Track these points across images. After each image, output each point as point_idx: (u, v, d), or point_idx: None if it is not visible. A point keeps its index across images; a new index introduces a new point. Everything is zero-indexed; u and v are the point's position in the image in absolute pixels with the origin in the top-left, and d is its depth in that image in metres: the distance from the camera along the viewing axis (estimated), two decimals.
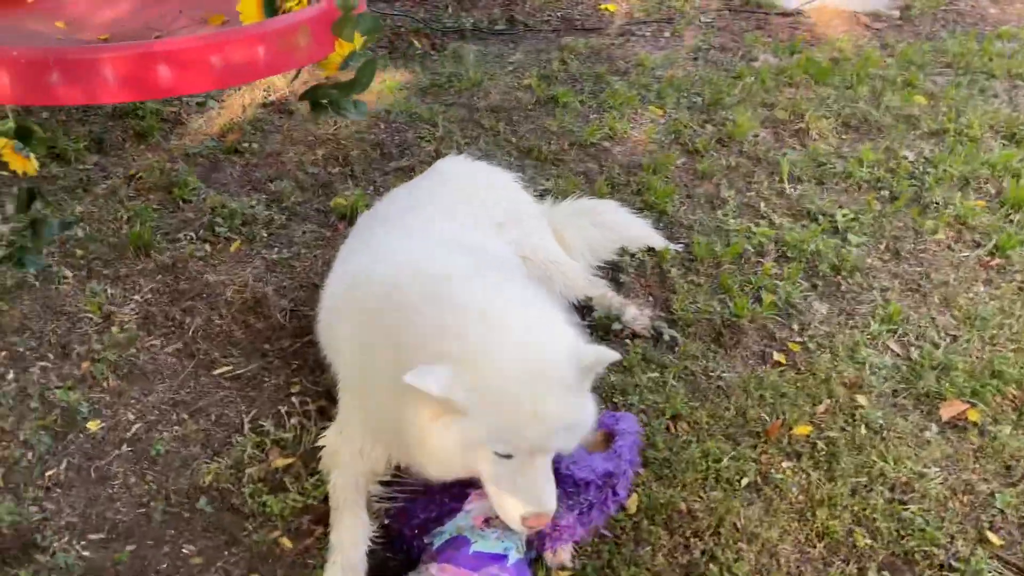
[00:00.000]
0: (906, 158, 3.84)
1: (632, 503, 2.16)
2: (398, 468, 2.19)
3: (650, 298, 2.97)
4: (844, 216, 3.36)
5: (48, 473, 2.26)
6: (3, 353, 2.64)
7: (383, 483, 2.16)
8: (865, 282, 3.03)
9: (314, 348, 2.65)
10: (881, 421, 2.42)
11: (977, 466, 2.29)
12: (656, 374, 2.58)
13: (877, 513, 2.14)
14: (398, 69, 4.76)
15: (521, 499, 1.82)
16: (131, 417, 2.44)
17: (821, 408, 2.47)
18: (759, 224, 3.36)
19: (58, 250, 3.10)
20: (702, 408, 2.45)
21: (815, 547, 2.06)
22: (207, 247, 3.17)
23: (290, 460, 2.29)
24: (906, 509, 2.15)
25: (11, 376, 2.55)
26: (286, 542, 2.09)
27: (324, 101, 1.94)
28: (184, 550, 2.08)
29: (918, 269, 3.10)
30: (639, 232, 3.14)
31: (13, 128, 1.99)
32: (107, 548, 2.08)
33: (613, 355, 1.91)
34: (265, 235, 3.24)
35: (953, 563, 2.01)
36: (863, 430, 2.39)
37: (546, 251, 2.74)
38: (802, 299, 2.92)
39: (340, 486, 2.10)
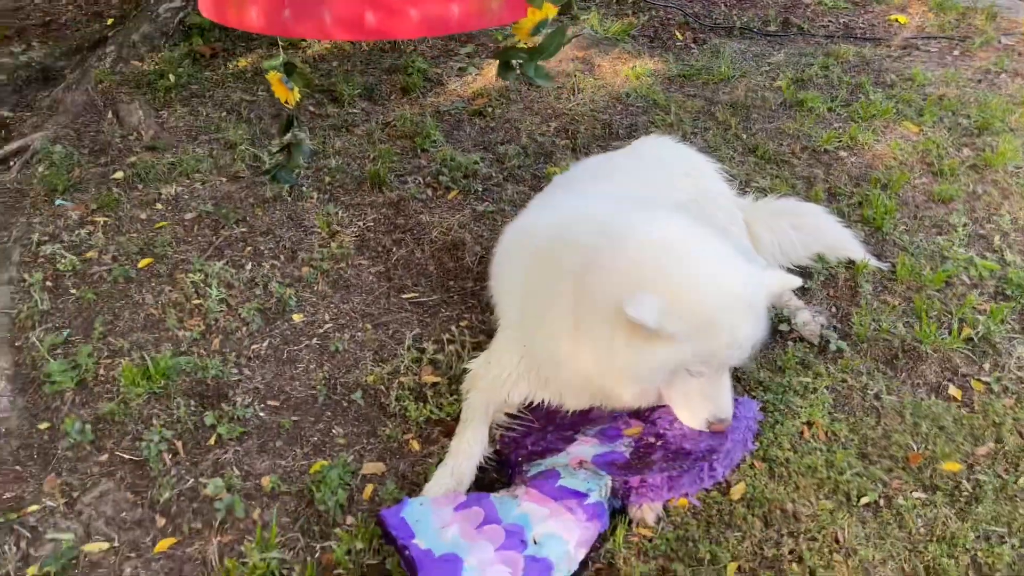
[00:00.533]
0: None
1: (738, 491, 2.16)
2: (527, 406, 2.37)
3: (833, 309, 2.87)
4: None
5: (253, 347, 2.71)
6: (249, 248, 3.16)
7: (508, 415, 2.35)
8: None
9: (482, 287, 2.90)
10: None
11: None
12: (808, 379, 2.52)
13: (1002, 565, 1.96)
14: (652, 58, 4.87)
15: (709, 407, 2.09)
16: (327, 317, 2.83)
17: (982, 450, 2.28)
18: (986, 257, 3.09)
19: (312, 175, 3.61)
20: (844, 421, 2.36)
21: (916, 573, 1.95)
22: (429, 191, 3.53)
23: (438, 379, 2.55)
24: None
25: (248, 267, 3.05)
26: (415, 444, 2.35)
27: (513, 63, 2.14)
28: (333, 430, 2.41)
29: None
30: (840, 241, 3.03)
31: (282, 63, 2.42)
32: (278, 414, 2.46)
33: (796, 280, 2.18)
34: (480, 189, 3.54)
35: None
36: (1022, 483, 2.18)
37: (728, 237, 2.76)
38: (1005, 339, 2.68)
39: (474, 405, 2.33)
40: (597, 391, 2.22)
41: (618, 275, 2.06)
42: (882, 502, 2.13)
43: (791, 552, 2.00)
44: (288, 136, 2.76)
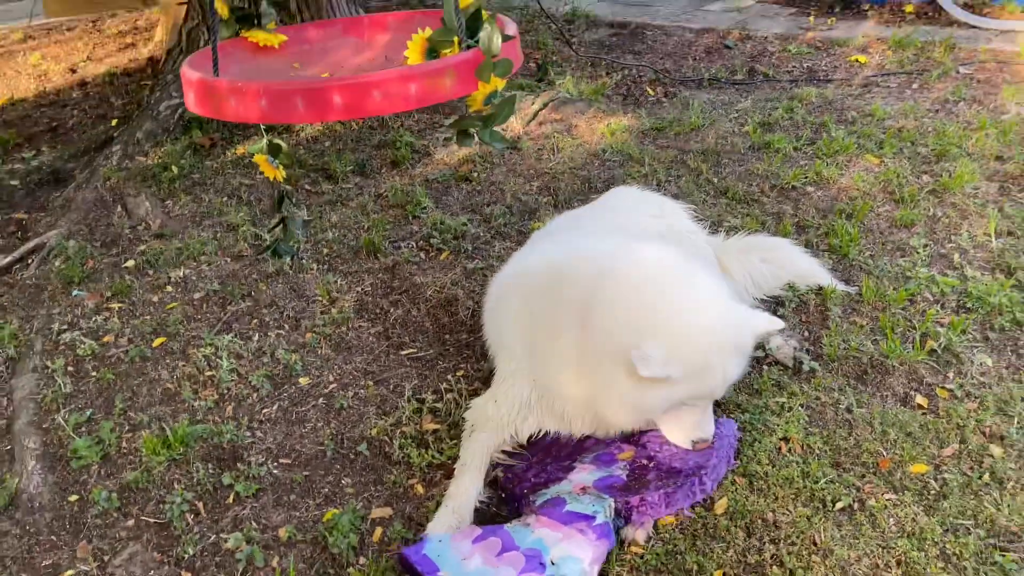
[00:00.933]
0: None
1: (721, 506, 2.32)
2: (521, 444, 2.55)
3: (805, 332, 3.05)
4: None
5: (263, 411, 2.90)
6: (255, 320, 3.37)
7: (505, 452, 2.52)
8: None
9: (476, 340, 3.10)
10: (1012, 474, 2.34)
11: None
12: (783, 399, 2.69)
13: (968, 554, 2.11)
14: (626, 114, 5.15)
15: (694, 431, 2.34)
16: (331, 378, 3.03)
17: (947, 451, 2.43)
18: (947, 275, 3.28)
19: (311, 248, 3.84)
20: (818, 435, 2.52)
21: (890, 570, 2.09)
22: (421, 254, 3.75)
23: (438, 426, 2.73)
24: (1003, 556, 2.10)
25: (255, 338, 3.25)
26: (419, 488, 2.52)
27: (471, 130, 2.37)
28: (342, 481, 2.58)
29: None
30: (808, 270, 3.23)
31: (266, 145, 2.66)
32: (290, 470, 2.64)
33: (779, 323, 2.36)
34: (470, 248, 3.76)
35: None
36: (986, 478, 2.33)
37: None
38: (967, 349, 2.85)
39: (475, 447, 2.50)
40: (598, 417, 2.40)
41: (621, 318, 2.27)
42: (855, 505, 2.28)
43: (772, 557, 2.15)
44: (282, 211, 2.99)
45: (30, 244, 3.98)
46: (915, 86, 5.34)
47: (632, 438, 2.47)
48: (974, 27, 6.33)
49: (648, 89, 5.61)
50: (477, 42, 2.04)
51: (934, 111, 4.86)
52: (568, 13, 7.26)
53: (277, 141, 2.66)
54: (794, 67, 5.89)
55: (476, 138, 2.32)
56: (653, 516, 2.23)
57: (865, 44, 6.12)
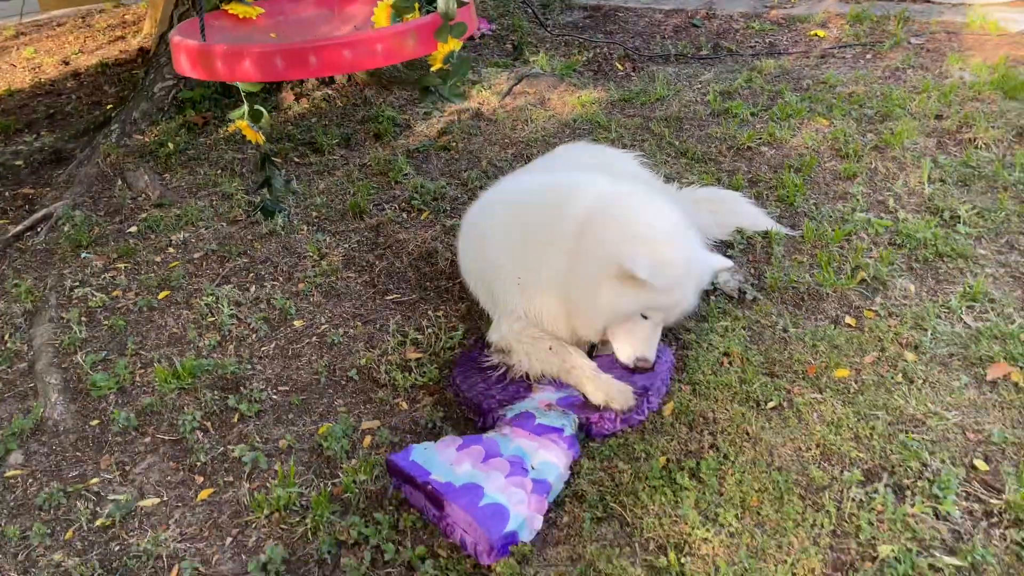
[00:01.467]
0: None
1: (668, 409, 2.64)
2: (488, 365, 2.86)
3: (752, 270, 3.38)
4: (967, 211, 3.52)
5: (262, 348, 3.20)
6: (252, 274, 3.68)
7: (466, 367, 2.83)
8: (967, 268, 3.21)
9: (455, 284, 3.41)
10: (921, 374, 2.67)
11: (999, 415, 2.49)
12: (727, 323, 3.01)
13: (876, 435, 2.44)
14: (596, 88, 5.47)
15: (641, 349, 2.64)
16: (323, 320, 3.34)
17: (868, 359, 2.76)
18: (882, 217, 3.61)
19: (301, 212, 4.15)
20: (757, 350, 2.85)
21: (810, 451, 2.42)
22: (404, 215, 4.06)
23: (420, 355, 3.04)
24: (905, 435, 2.43)
25: (252, 289, 3.56)
26: (403, 404, 2.83)
27: (431, 87, 2.68)
28: (335, 402, 2.89)
29: None
30: (752, 218, 3.56)
31: (247, 111, 2.93)
32: (288, 395, 2.95)
33: (729, 263, 2.80)
34: (448, 208, 4.07)
35: (932, 483, 2.27)
36: (899, 378, 2.66)
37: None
38: (893, 277, 3.18)
39: (528, 341, 2.81)
40: (570, 327, 2.76)
41: (618, 231, 2.64)
42: (785, 404, 2.61)
43: (710, 445, 2.48)
44: (265, 171, 3.29)
45: (38, 214, 4.26)
46: (868, 56, 5.67)
47: (592, 358, 2.78)
48: (928, 1, 6.67)
49: (617, 65, 5.93)
50: (435, 8, 2.35)
51: (884, 78, 5.19)
52: None
53: (258, 107, 2.94)
54: (756, 42, 6.22)
55: (437, 93, 2.63)
56: (610, 430, 2.54)
57: (825, 20, 6.44)
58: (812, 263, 3.33)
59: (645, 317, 2.65)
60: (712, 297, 3.16)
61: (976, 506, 2.19)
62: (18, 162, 5.10)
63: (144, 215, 4.21)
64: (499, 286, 2.87)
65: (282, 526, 2.37)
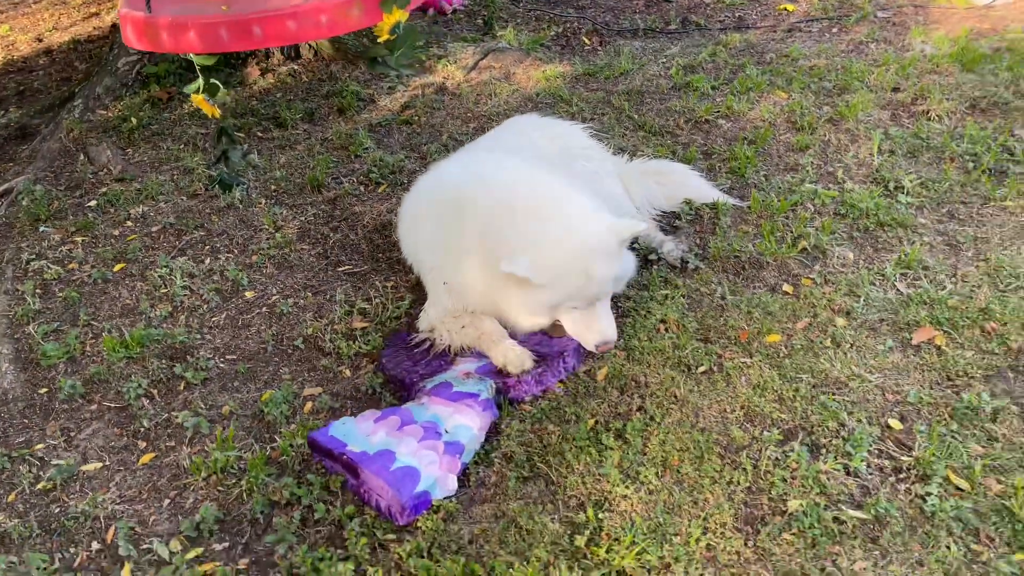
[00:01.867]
0: (1017, 136, 3.89)
1: (601, 373, 2.70)
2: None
3: (698, 240, 3.43)
4: (912, 182, 3.57)
5: (213, 319, 3.25)
6: (207, 247, 3.72)
7: (395, 348, 2.88)
8: (905, 236, 3.26)
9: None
10: (849, 338, 2.73)
11: (920, 376, 2.55)
12: (667, 291, 3.07)
13: (799, 397, 2.50)
14: (561, 62, 5.49)
15: (593, 333, 2.63)
16: (274, 291, 3.38)
17: (800, 324, 2.82)
18: (829, 188, 3.66)
19: (260, 186, 4.18)
20: (693, 317, 2.91)
21: (734, 412, 2.48)
22: (361, 188, 4.10)
23: (366, 324, 3.10)
24: (827, 396, 2.49)
25: (207, 261, 3.60)
26: (347, 372, 2.89)
27: (378, 58, 2.71)
28: (281, 370, 2.95)
29: (967, 229, 3.27)
30: (699, 190, 3.61)
31: (203, 84, 2.96)
32: (234, 364, 3.00)
33: (641, 226, 2.69)
34: (406, 182, 4.11)
35: (846, 442, 2.34)
36: (828, 342, 2.72)
37: (595, 185, 3.31)
38: (833, 246, 3.23)
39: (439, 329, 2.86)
40: (509, 325, 2.79)
41: (501, 239, 2.65)
42: (715, 368, 2.67)
43: (638, 408, 2.54)
44: (222, 144, 3.32)
45: (0, 188, 4.29)
46: (835, 30, 5.70)
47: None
48: None
49: (584, 39, 5.94)
50: None
51: (847, 51, 5.22)
52: None
53: (214, 81, 2.97)
54: (726, 16, 6.23)
55: (385, 64, 2.66)
56: (527, 392, 2.60)
57: None
58: (756, 233, 3.39)
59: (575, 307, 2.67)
60: (655, 267, 3.21)
61: (887, 463, 2.26)
62: None
63: (104, 189, 4.24)
64: (428, 282, 2.93)
65: (219, 488, 2.43)
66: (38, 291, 3.47)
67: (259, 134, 4.76)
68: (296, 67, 5.51)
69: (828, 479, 2.21)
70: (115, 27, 7.02)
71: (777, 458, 2.29)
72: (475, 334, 2.73)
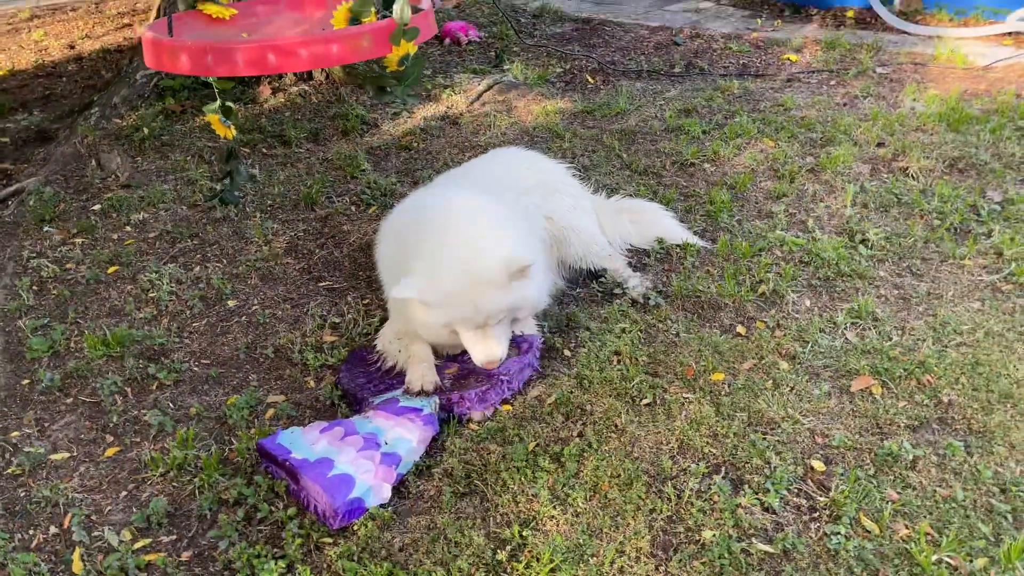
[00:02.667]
0: (988, 197, 3.99)
1: (549, 398, 2.83)
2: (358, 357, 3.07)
3: (665, 278, 3.55)
4: (877, 235, 3.68)
5: (194, 324, 3.42)
6: (199, 255, 3.90)
7: (353, 364, 3.03)
8: (862, 287, 3.37)
9: None
10: (790, 382, 2.84)
11: (850, 422, 2.65)
12: (626, 325, 3.19)
13: (732, 433, 2.61)
14: (563, 98, 5.66)
15: (480, 352, 2.73)
16: (255, 302, 3.55)
17: (745, 365, 2.93)
18: (798, 237, 3.78)
19: (258, 200, 4.37)
20: (645, 351, 3.03)
21: (668, 444, 2.60)
22: (352, 208, 4.27)
23: (335, 338, 3.24)
24: (757, 435, 2.60)
25: (196, 269, 3.78)
26: (311, 383, 3.04)
27: (385, 87, 2.86)
28: (250, 377, 3.10)
29: (923, 284, 3.37)
30: (670, 230, 3.74)
31: (220, 106, 3.12)
32: (208, 368, 3.16)
33: (524, 259, 2.73)
34: (395, 204, 4.27)
35: (768, 478, 2.44)
36: (768, 384, 2.83)
37: (570, 219, 3.45)
38: (791, 292, 3.35)
39: (388, 350, 3.01)
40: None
41: (411, 258, 2.82)
42: (658, 401, 2.79)
43: (578, 434, 2.66)
44: (229, 165, 3.50)
45: (11, 189, 4.51)
46: (832, 82, 5.83)
47: (457, 358, 2.96)
48: (903, 32, 6.81)
49: (589, 78, 6.12)
50: (391, 12, 2.54)
51: (840, 104, 5.35)
52: (537, 9, 7.76)
53: (229, 103, 3.13)
54: (730, 63, 6.39)
55: (392, 93, 2.80)
56: (471, 409, 2.73)
57: (801, 44, 6.60)
58: (720, 275, 3.50)
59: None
60: (617, 301, 3.34)
61: (803, 501, 2.36)
62: (4, 139, 5.35)
63: (110, 195, 4.44)
64: (388, 300, 3.10)
65: (174, 484, 2.58)
66: (34, 287, 3.65)
67: (264, 150, 4.95)
68: (307, 88, 5.72)
69: (744, 513, 2.31)
70: (138, 46, 7.29)
71: (700, 490, 2.40)
72: (405, 355, 2.87)
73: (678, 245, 3.71)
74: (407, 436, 2.57)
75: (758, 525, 2.28)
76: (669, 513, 2.34)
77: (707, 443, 2.57)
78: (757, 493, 2.37)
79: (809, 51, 6.49)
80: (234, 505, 2.46)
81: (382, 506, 2.40)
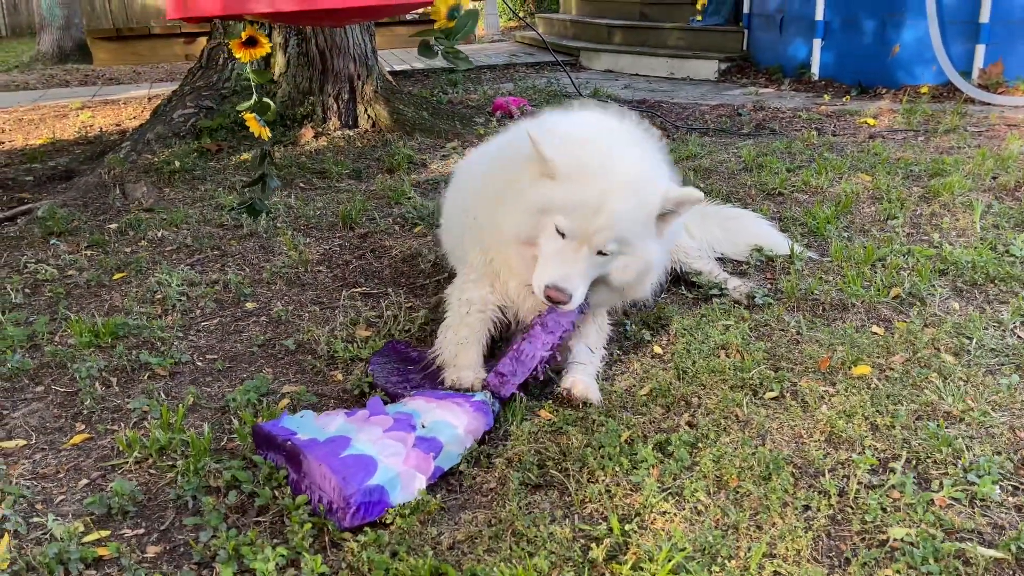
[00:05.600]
0: None
1: (642, 391, 2.18)
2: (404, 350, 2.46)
3: (768, 286, 2.94)
4: (1022, 241, 3.05)
5: (203, 323, 2.85)
6: (219, 264, 3.37)
7: (381, 354, 2.42)
8: (1021, 289, 2.72)
9: (433, 282, 3.05)
10: (961, 374, 2.17)
11: None
12: (731, 322, 2.56)
13: (898, 424, 1.92)
14: None
15: (555, 273, 2.07)
16: (279, 305, 2.98)
17: (896, 359, 2.27)
18: (924, 247, 3.17)
19: (291, 222, 3.88)
20: (761, 347, 2.38)
21: (812, 436, 1.91)
22: (396, 227, 3.76)
23: (369, 333, 2.65)
24: (936, 425, 1.91)
25: (215, 275, 3.25)
26: (338, 376, 2.42)
27: (434, 46, 2.40)
28: (264, 370, 2.49)
29: None
30: (764, 237, 3.16)
31: (256, 102, 2.70)
32: (212, 363, 2.56)
33: (698, 195, 2.15)
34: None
35: (968, 471, 1.74)
36: (933, 376, 2.16)
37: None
38: (931, 294, 2.71)
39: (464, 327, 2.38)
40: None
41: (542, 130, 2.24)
42: (787, 394, 2.12)
43: (687, 423, 1.99)
44: (262, 167, 3.02)
45: (22, 207, 4.08)
46: (920, 139, 5.33)
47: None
48: (988, 104, 6.35)
49: None
50: None
51: (938, 151, 4.83)
52: (589, 94, 7.50)
53: (266, 100, 2.71)
54: (802, 126, 5.95)
55: (439, 52, 2.33)
56: (509, 381, 2.09)
57: (877, 113, 6.17)
58: (837, 280, 2.88)
59: (563, 236, 2.13)
60: (716, 300, 2.72)
61: None
62: (28, 177, 5.01)
63: (129, 217, 3.99)
64: (467, 237, 2.51)
65: (151, 471, 1.94)
66: (25, 289, 3.14)
67: (301, 184, 4.52)
68: (351, 134, 5.36)
69: (944, 511, 1.60)
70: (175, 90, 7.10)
71: (871, 483, 1.70)
72: (452, 347, 2.31)
73: (784, 257, 3.10)
74: (452, 420, 1.92)
75: (969, 526, 1.56)
76: (831, 510, 1.64)
77: (866, 435, 1.88)
78: (956, 486, 1.66)
79: (887, 117, 6.05)
80: (225, 491, 1.81)
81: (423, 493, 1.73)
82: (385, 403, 2.13)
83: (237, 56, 2.53)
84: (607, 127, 2.33)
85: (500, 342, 2.44)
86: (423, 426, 1.91)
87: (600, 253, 2.11)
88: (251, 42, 2.58)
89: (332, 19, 3.07)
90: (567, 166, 2.08)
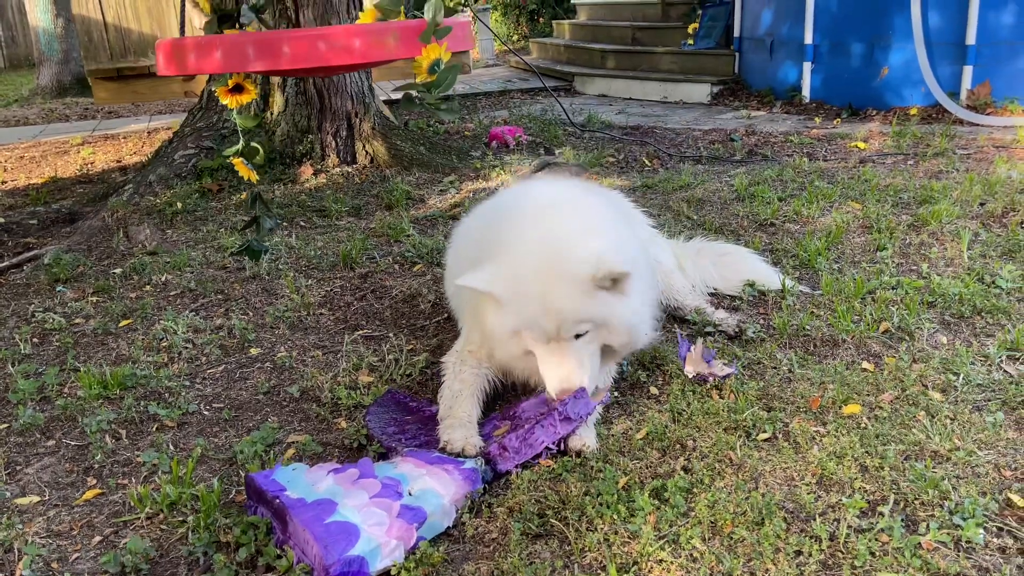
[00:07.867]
0: None
1: (641, 433, 2.24)
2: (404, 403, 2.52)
3: (761, 321, 3.00)
4: (1012, 273, 3.12)
5: (209, 370, 2.91)
6: (222, 309, 3.44)
7: (379, 404, 2.48)
8: (1008, 323, 2.79)
9: (433, 323, 3.12)
10: (948, 411, 2.23)
11: None
12: (723, 360, 2.62)
13: (887, 465, 1.98)
14: (619, 177, 5.30)
15: (552, 376, 2.16)
16: (282, 350, 3.04)
17: (885, 397, 2.33)
18: (913, 279, 3.23)
19: (292, 262, 3.95)
20: (753, 386, 2.44)
21: (804, 479, 1.97)
22: (396, 266, 3.83)
23: (371, 379, 2.71)
24: (923, 466, 1.97)
25: (218, 321, 3.31)
26: (343, 423, 2.48)
27: (416, 99, 2.48)
28: (269, 419, 2.55)
29: None
30: (757, 273, 3.23)
31: (242, 147, 2.76)
32: (220, 411, 2.62)
33: (621, 268, 2.15)
34: (441, 260, 3.82)
35: (953, 514, 1.80)
36: (920, 415, 2.22)
37: (654, 255, 2.95)
38: (920, 328, 2.77)
39: (458, 382, 2.44)
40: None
41: (491, 244, 2.35)
42: (779, 435, 2.18)
43: (684, 468, 2.05)
44: (255, 210, 3.09)
45: (28, 254, 4.15)
46: (910, 163, 5.42)
47: (509, 413, 2.39)
48: (976, 124, 6.45)
49: (645, 160, 5.79)
50: (422, 13, 2.20)
51: (927, 175, 4.91)
52: (582, 121, 7.60)
53: (254, 144, 2.78)
54: (793, 152, 6.03)
55: (421, 104, 2.41)
56: (513, 460, 2.11)
57: (867, 135, 6.27)
58: (828, 315, 2.94)
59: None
60: (710, 338, 2.78)
61: (1010, 541, 1.71)
62: (33, 221, 5.08)
63: (134, 260, 4.06)
64: (463, 315, 2.59)
65: (162, 527, 2.00)
66: (34, 339, 3.20)
67: (301, 223, 4.60)
68: (350, 170, 5.44)
69: (931, 555, 1.66)
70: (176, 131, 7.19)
71: (860, 527, 1.76)
72: (446, 407, 2.36)
73: (775, 292, 3.16)
74: (439, 491, 1.96)
75: (955, 569, 1.62)
76: (822, 555, 1.69)
77: (856, 476, 1.94)
78: (943, 529, 1.72)
79: (877, 140, 6.14)
80: (235, 547, 1.87)
81: (430, 542, 1.79)
82: (381, 455, 2.19)
83: (224, 102, 2.59)
84: (550, 209, 2.39)
85: (502, 397, 2.50)
86: (410, 493, 1.95)
87: (579, 335, 2.18)
88: (238, 89, 2.65)
89: (325, 71, 3.16)
90: (504, 291, 2.16)
